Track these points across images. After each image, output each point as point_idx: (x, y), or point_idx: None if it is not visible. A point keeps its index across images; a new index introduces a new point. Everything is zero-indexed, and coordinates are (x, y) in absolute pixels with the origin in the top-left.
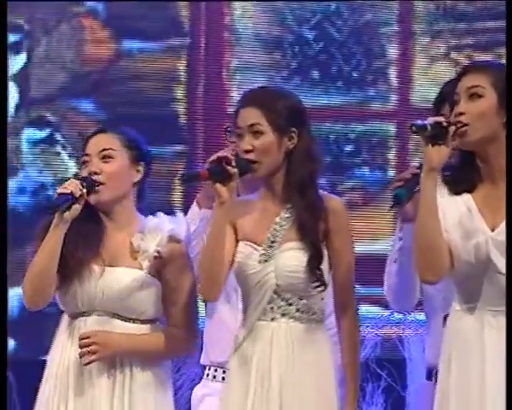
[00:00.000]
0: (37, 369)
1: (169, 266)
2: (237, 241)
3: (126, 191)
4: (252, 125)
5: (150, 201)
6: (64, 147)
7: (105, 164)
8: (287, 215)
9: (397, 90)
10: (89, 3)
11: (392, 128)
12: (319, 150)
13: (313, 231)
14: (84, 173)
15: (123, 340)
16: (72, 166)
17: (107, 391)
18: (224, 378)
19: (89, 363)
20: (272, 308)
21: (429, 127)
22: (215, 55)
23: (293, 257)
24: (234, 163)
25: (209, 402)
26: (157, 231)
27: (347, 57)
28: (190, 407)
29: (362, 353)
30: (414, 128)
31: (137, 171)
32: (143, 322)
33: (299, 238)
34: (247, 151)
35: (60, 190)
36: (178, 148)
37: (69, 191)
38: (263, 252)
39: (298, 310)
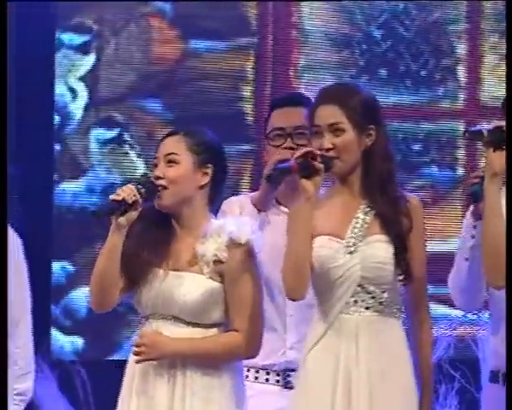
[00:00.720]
0: (106, 368)
1: (229, 269)
2: (313, 237)
3: (191, 195)
4: (332, 123)
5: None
6: (132, 147)
7: (169, 168)
8: (366, 209)
9: (465, 88)
10: (156, 4)
11: (460, 127)
12: (393, 148)
13: (397, 225)
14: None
15: (173, 343)
16: (140, 166)
17: (166, 393)
18: (267, 380)
19: (138, 362)
20: (356, 302)
21: (486, 133)
22: (283, 54)
23: (379, 248)
24: (319, 159)
25: (250, 404)
26: (219, 235)
27: (415, 56)
28: None
29: (435, 353)
30: (468, 135)
31: (205, 174)
32: (206, 326)
33: (384, 232)
34: (328, 150)
35: (112, 197)
36: (245, 147)
37: (121, 198)
38: (346, 245)
39: (381, 303)
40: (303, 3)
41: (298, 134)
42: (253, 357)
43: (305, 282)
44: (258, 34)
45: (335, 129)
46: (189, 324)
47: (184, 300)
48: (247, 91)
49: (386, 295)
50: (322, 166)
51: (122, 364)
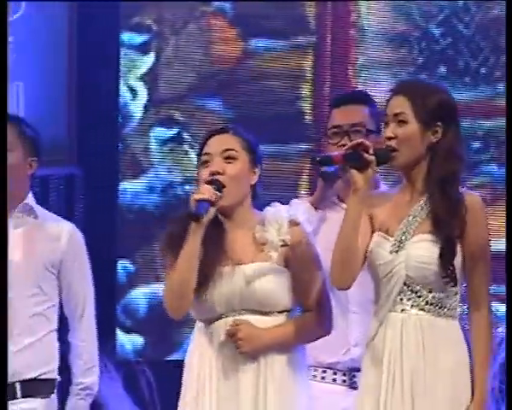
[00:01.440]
0: (170, 368)
1: (294, 250)
2: (373, 232)
3: (246, 193)
4: (397, 113)
5: (276, 198)
6: (192, 146)
7: (228, 164)
8: (421, 207)
9: None
10: (216, 3)
11: None
12: (463, 149)
13: (449, 226)
14: (205, 174)
15: (267, 334)
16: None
17: (251, 387)
18: (334, 380)
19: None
20: (402, 299)
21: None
22: (341, 53)
23: (425, 248)
24: (371, 151)
25: (316, 404)
26: (277, 220)
27: (475, 53)
28: None
29: (501, 354)
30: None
31: (254, 173)
32: (279, 313)
33: (433, 231)
34: (390, 138)
35: (197, 197)
36: (304, 146)
37: (207, 197)
38: (394, 242)
39: (427, 303)
40: (361, 2)
41: (355, 132)
42: (329, 334)
43: (350, 274)
44: (316, 33)
45: (399, 120)
46: (263, 313)
47: (262, 290)
48: (305, 90)
49: (433, 294)
50: (372, 158)
51: (182, 363)
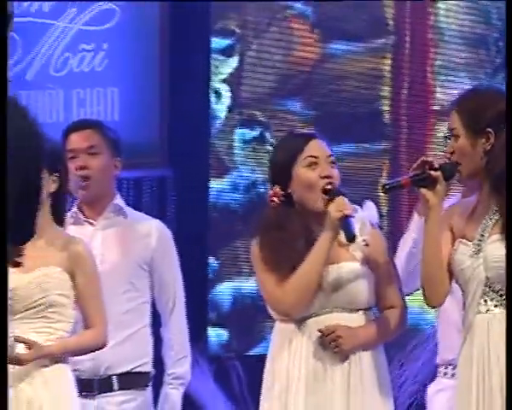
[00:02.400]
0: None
1: (374, 249)
2: (453, 241)
3: None
4: (451, 129)
5: (356, 196)
6: (273, 145)
7: (333, 169)
8: (495, 211)
9: None
10: (297, 6)
11: None
12: None
13: None
14: (314, 177)
15: (361, 333)
16: None
17: (341, 382)
18: (453, 375)
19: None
20: (486, 301)
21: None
22: (419, 54)
23: (499, 248)
24: (436, 166)
25: (441, 397)
26: (359, 221)
27: None
28: (413, 401)
29: None
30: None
31: None
32: (363, 311)
33: (504, 232)
34: (450, 153)
35: (347, 213)
36: (383, 145)
37: (350, 212)
38: (473, 247)
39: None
40: (439, 4)
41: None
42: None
43: (437, 289)
44: (395, 34)
45: (454, 134)
46: (350, 311)
47: (352, 289)
48: (384, 91)
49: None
50: (438, 173)
51: (264, 358)
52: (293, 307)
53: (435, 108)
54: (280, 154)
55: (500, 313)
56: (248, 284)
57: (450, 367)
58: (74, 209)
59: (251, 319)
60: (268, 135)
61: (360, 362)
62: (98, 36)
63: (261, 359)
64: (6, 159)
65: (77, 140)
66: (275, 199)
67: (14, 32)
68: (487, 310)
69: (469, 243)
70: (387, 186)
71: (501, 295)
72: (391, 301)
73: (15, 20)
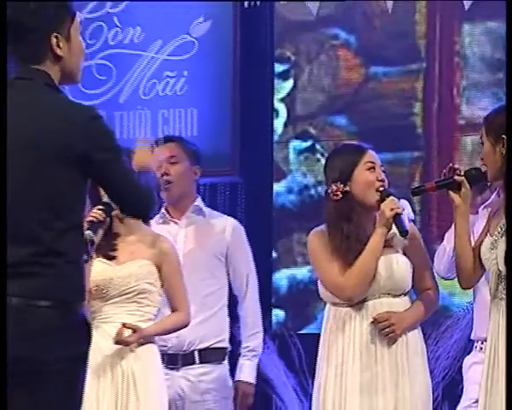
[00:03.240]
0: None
1: (412, 242)
2: (486, 234)
3: None
4: (480, 138)
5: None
6: (322, 154)
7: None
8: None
9: None
10: (342, 36)
11: None
12: None
13: None
14: (372, 178)
15: (408, 316)
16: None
17: (389, 361)
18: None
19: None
20: (499, 289)
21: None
22: (447, 77)
23: (505, 244)
24: (460, 172)
25: (475, 369)
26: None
27: None
28: (446, 373)
29: None
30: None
31: None
32: (404, 295)
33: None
34: (481, 160)
35: (398, 211)
36: (416, 153)
37: (401, 211)
38: (492, 241)
39: None
40: (464, 34)
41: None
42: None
43: (466, 274)
44: (426, 60)
45: (481, 143)
46: (394, 296)
47: (397, 276)
48: (417, 108)
49: None
50: (462, 178)
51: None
52: (354, 293)
53: (460, 122)
54: (343, 158)
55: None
56: (301, 272)
57: (479, 341)
58: (162, 211)
59: (303, 302)
60: (318, 146)
61: (405, 342)
62: (180, 64)
63: (313, 336)
64: (6, 159)
65: (161, 152)
66: (338, 193)
67: (110, 62)
68: (501, 298)
69: (491, 237)
70: (415, 190)
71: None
72: (427, 284)
73: (112, 51)
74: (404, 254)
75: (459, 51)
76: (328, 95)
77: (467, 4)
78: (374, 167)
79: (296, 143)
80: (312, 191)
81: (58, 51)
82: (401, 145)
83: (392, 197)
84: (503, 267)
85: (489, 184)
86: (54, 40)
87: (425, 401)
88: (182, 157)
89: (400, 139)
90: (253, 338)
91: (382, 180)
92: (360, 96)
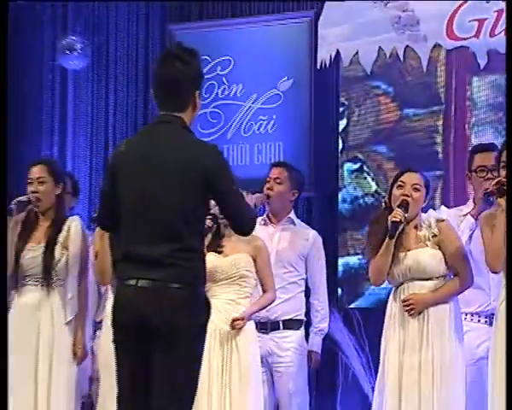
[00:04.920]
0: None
1: (443, 237)
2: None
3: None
4: (504, 162)
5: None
6: (368, 174)
7: (415, 192)
8: None
9: None
10: (383, 87)
11: None
12: None
13: None
14: (398, 194)
15: (427, 297)
16: (373, 186)
17: (418, 328)
18: (479, 320)
19: (411, 315)
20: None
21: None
22: (460, 115)
23: None
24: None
25: (469, 336)
26: (426, 222)
27: None
28: None
29: None
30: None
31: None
32: (437, 278)
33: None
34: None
35: (393, 219)
36: (438, 172)
37: (399, 220)
38: None
39: None
40: (473, 85)
41: (494, 170)
42: (471, 286)
43: (497, 257)
44: (445, 103)
45: (504, 166)
46: (425, 279)
47: (422, 264)
48: (438, 139)
49: None
50: (505, 188)
51: (364, 309)
52: (372, 278)
53: (471, 149)
54: (394, 178)
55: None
56: (352, 260)
57: (476, 315)
58: (265, 216)
59: (354, 283)
60: (365, 167)
61: (427, 316)
62: (270, 111)
63: (364, 309)
64: (6, 159)
65: (273, 172)
66: (383, 204)
67: (219, 110)
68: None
69: None
70: (486, 192)
71: None
72: (457, 269)
73: (221, 102)
74: (439, 247)
75: (469, 97)
76: (372, 130)
77: (482, 64)
78: (402, 186)
79: (349, 165)
80: (361, 201)
81: (197, 103)
82: (427, 166)
83: (397, 208)
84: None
85: None
86: (197, 95)
87: (443, 363)
88: (285, 180)
89: (426, 162)
90: (322, 322)
91: (405, 195)
92: (396, 131)
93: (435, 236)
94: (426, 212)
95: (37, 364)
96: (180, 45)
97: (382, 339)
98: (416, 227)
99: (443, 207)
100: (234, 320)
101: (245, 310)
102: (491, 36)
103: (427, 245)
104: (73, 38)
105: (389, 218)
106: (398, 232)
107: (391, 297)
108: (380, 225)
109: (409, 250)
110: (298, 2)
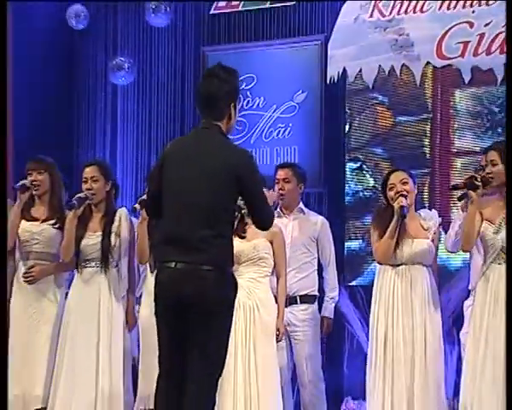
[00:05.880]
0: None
1: (437, 232)
2: (482, 221)
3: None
4: (492, 160)
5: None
6: (367, 172)
7: (407, 186)
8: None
9: None
10: (379, 98)
11: None
12: None
13: None
14: (393, 194)
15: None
16: (371, 182)
17: (402, 301)
18: None
19: None
20: (499, 258)
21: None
22: (445, 122)
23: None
24: (478, 180)
25: (470, 308)
26: (429, 218)
27: None
28: (454, 311)
29: None
30: (451, 187)
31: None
32: (429, 266)
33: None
34: (489, 173)
35: (401, 204)
36: (426, 170)
37: (405, 204)
38: (496, 228)
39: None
40: (455, 95)
41: (481, 169)
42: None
43: (469, 242)
44: (432, 112)
45: (493, 163)
46: (422, 264)
47: (421, 251)
48: (426, 142)
49: None
50: (479, 183)
51: (364, 286)
52: (380, 256)
53: (453, 150)
54: (383, 180)
55: (504, 263)
56: (354, 244)
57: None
58: (278, 209)
59: (352, 264)
60: (364, 166)
61: (411, 289)
62: (287, 120)
63: (364, 286)
64: (6, 159)
65: (280, 174)
66: (383, 205)
67: (245, 119)
68: (499, 263)
69: (493, 225)
70: (451, 187)
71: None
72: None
73: (246, 112)
74: (433, 241)
75: (453, 106)
76: (371, 134)
77: (466, 79)
78: (393, 186)
79: (350, 165)
80: (361, 194)
81: (232, 114)
82: (416, 165)
83: (400, 197)
84: (503, 243)
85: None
86: (232, 107)
87: (426, 325)
88: (292, 178)
89: (416, 161)
90: (333, 291)
91: (398, 192)
92: (390, 135)
93: (435, 233)
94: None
95: (99, 331)
96: (219, 65)
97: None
98: (413, 218)
99: (434, 211)
100: (277, 336)
101: (277, 321)
102: (474, 55)
103: (428, 237)
104: (122, 58)
105: (395, 204)
106: (403, 217)
107: (380, 277)
108: (382, 218)
109: (415, 238)
110: (310, 27)
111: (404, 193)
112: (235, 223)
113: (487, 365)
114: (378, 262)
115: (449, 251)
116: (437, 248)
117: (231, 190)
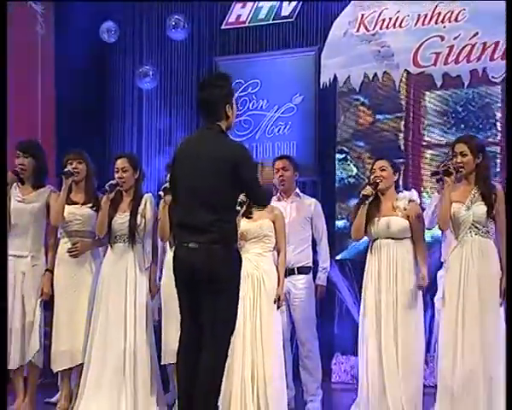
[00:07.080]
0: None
1: (411, 213)
2: (451, 203)
3: (391, 185)
4: (461, 151)
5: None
6: (351, 161)
7: (383, 172)
8: (475, 190)
9: None
10: (361, 99)
11: None
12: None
13: (490, 198)
14: (372, 178)
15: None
16: (354, 170)
17: (386, 271)
18: None
19: None
20: (471, 231)
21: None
22: (417, 119)
23: (481, 207)
24: (452, 167)
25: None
26: (404, 198)
27: (478, 119)
28: (429, 279)
29: None
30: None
31: (395, 176)
32: (404, 239)
33: (483, 200)
34: (460, 163)
35: (363, 193)
36: (400, 160)
37: (367, 194)
38: (466, 206)
39: (482, 232)
40: (426, 96)
41: (450, 159)
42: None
43: (445, 221)
44: (406, 110)
45: (463, 154)
46: (396, 239)
47: (394, 227)
48: (400, 136)
49: (485, 228)
50: (453, 171)
51: (349, 259)
52: (353, 234)
53: (424, 143)
54: (370, 170)
55: (477, 237)
56: (340, 223)
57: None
58: (278, 194)
59: (340, 240)
60: (348, 157)
61: (398, 261)
62: (287, 119)
63: (351, 259)
64: (6, 159)
65: (279, 164)
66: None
67: (250, 118)
68: (471, 235)
69: (463, 205)
70: (431, 173)
71: (478, 229)
72: (417, 235)
73: (251, 112)
74: (407, 217)
75: (424, 106)
76: (354, 130)
77: (438, 84)
78: (374, 171)
79: (337, 156)
80: (346, 181)
81: (228, 114)
82: (392, 156)
83: (368, 185)
84: (477, 219)
85: (458, 176)
86: (227, 108)
87: (408, 292)
88: (289, 167)
89: (392, 152)
90: (325, 262)
91: (376, 176)
92: (371, 130)
93: (405, 209)
94: (401, 191)
95: (126, 296)
96: (213, 73)
97: (363, 282)
98: (390, 199)
99: (414, 190)
100: (276, 301)
101: (277, 288)
102: (444, 64)
103: (397, 214)
104: (147, 66)
105: (361, 192)
106: (367, 202)
107: (368, 251)
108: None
109: (384, 216)
110: (306, 40)
111: (380, 178)
112: (245, 207)
113: (465, 317)
114: (354, 239)
115: (427, 228)
116: (417, 224)
117: (231, 179)
